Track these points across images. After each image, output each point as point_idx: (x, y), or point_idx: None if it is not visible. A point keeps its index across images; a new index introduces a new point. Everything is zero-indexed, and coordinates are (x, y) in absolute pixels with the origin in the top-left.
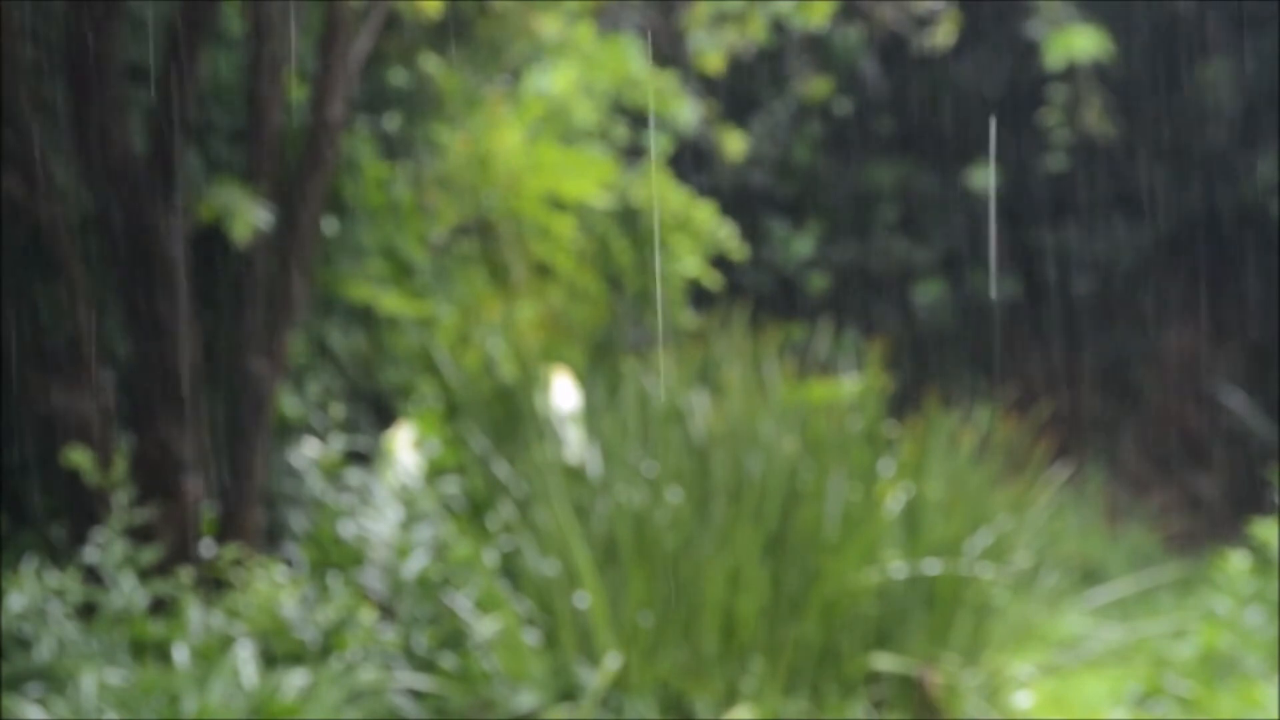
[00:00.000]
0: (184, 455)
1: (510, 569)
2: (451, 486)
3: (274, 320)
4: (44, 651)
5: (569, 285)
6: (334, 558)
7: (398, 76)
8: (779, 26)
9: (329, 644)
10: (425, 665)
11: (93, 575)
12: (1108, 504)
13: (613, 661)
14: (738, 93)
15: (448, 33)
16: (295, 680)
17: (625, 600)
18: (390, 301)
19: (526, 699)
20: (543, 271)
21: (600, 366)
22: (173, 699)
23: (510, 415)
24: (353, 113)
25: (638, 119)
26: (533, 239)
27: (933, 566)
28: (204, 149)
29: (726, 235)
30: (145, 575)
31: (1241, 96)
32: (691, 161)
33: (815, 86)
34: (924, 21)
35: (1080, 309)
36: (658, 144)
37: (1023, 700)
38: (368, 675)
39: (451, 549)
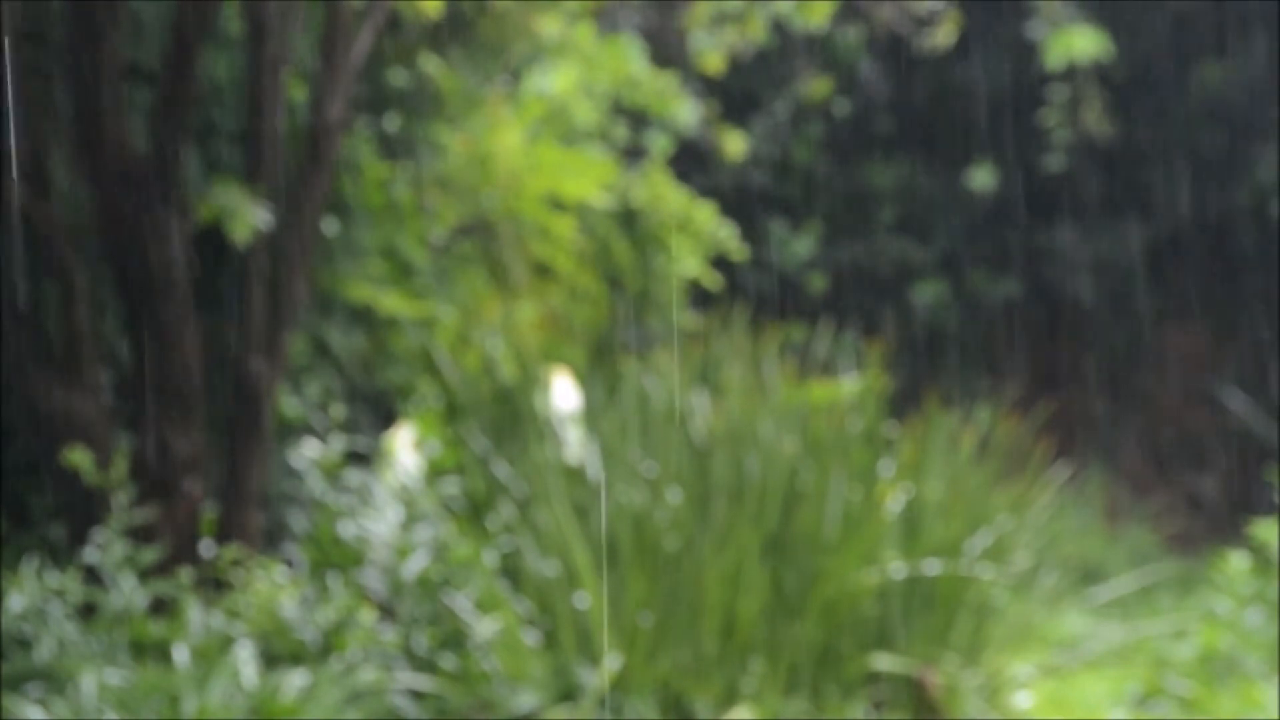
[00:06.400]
0: (184, 455)
1: (510, 569)
2: (451, 487)
3: (274, 320)
4: (44, 651)
5: (569, 285)
6: (334, 558)
7: (398, 76)
8: (779, 26)
9: (329, 644)
10: (425, 665)
11: (93, 575)
12: (1108, 504)
13: (613, 661)
14: (738, 93)
15: (448, 33)
16: (295, 680)
17: (625, 600)
18: (390, 302)
19: (526, 699)
20: (543, 272)
21: (600, 366)
22: (173, 699)
23: (510, 415)
24: (353, 113)
25: (638, 119)
26: (533, 239)
27: (933, 567)
28: (204, 149)
29: (726, 236)
30: (145, 575)
31: (1241, 96)
32: (691, 161)
33: (815, 86)
34: (924, 21)
35: (1080, 309)
36: (657, 144)
37: (1023, 700)
38: (368, 675)
39: (451, 549)
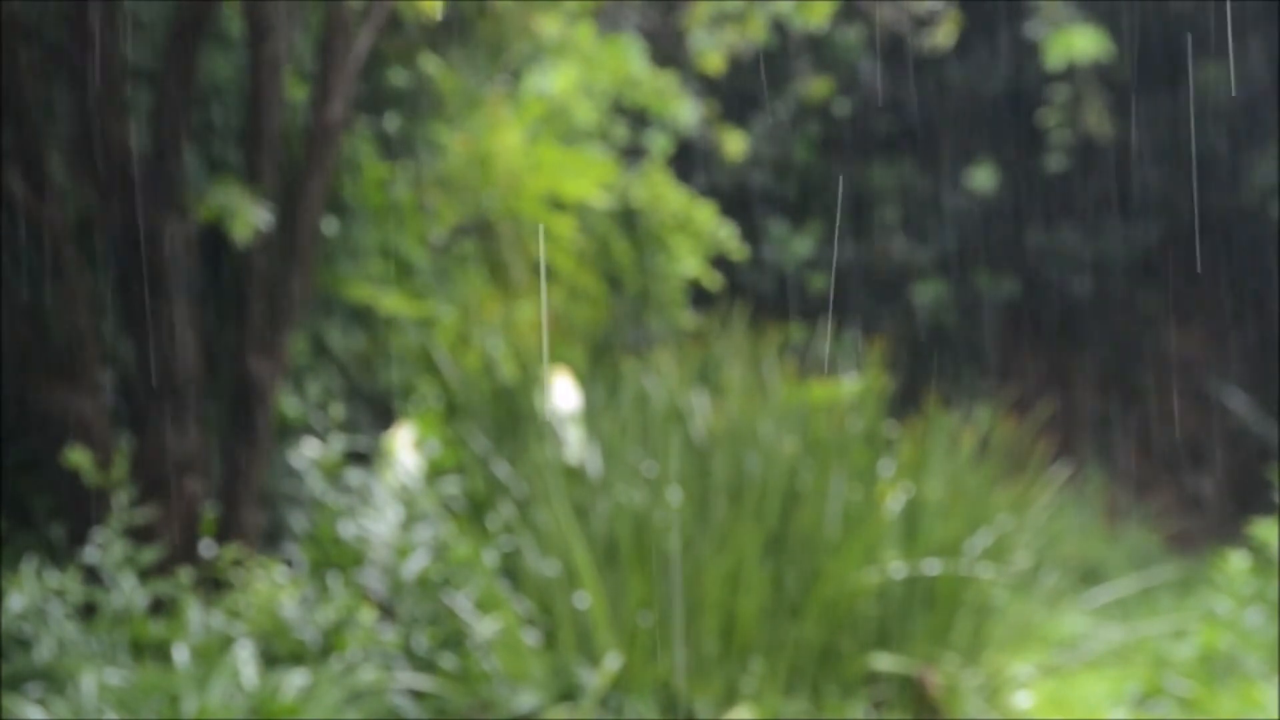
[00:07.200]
0: (184, 455)
1: (510, 569)
2: (451, 486)
3: (274, 320)
4: (44, 651)
5: (569, 285)
6: (334, 558)
7: (398, 76)
8: (779, 26)
9: (329, 644)
10: (425, 665)
11: (93, 575)
12: (1108, 504)
13: (613, 661)
14: (738, 93)
15: (448, 33)
16: (295, 680)
17: (625, 600)
18: (390, 301)
19: (526, 699)
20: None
21: (600, 366)
22: (173, 699)
23: (510, 415)
24: (353, 113)
25: (638, 119)
26: (533, 239)
27: (933, 566)
28: (204, 149)
29: (726, 235)
30: (145, 575)
31: (1241, 96)
32: (691, 161)
33: (815, 86)
34: (924, 21)
35: (1080, 309)
36: (657, 144)
37: (1023, 700)
38: (368, 675)
39: (451, 549)
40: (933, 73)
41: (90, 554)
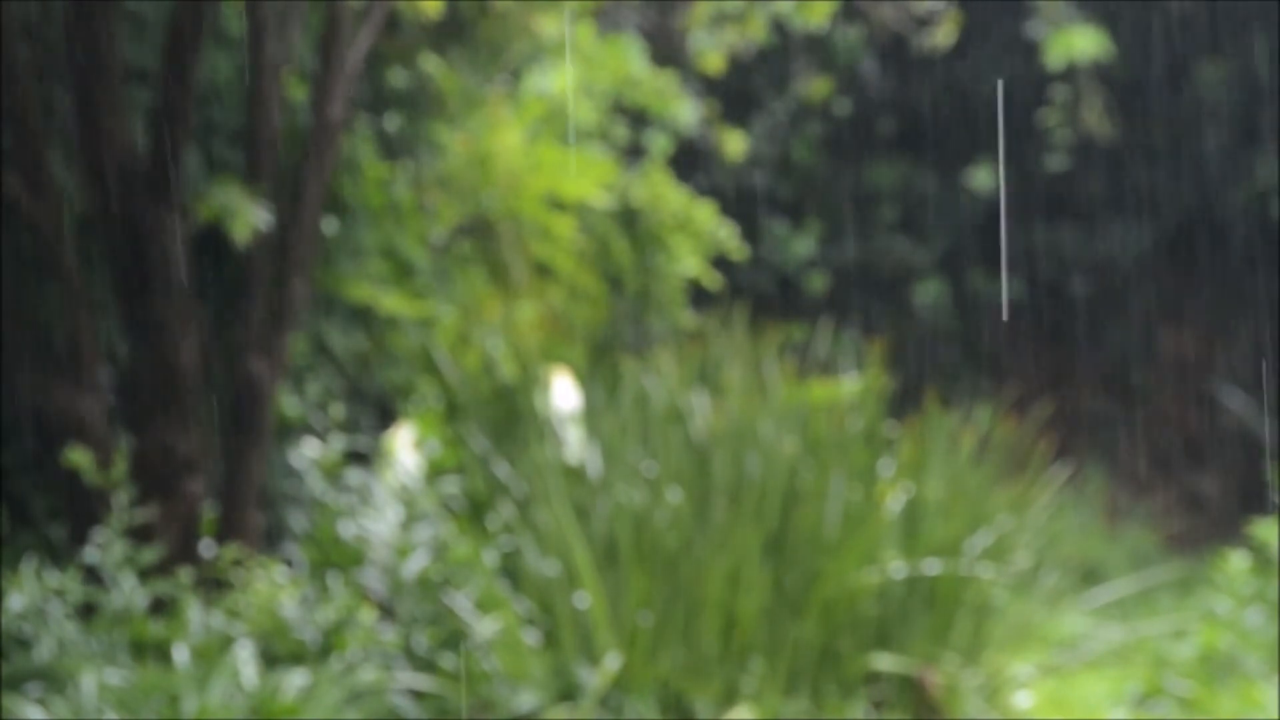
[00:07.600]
0: (184, 455)
1: (510, 569)
2: (451, 487)
3: (274, 320)
4: (44, 651)
5: (569, 285)
6: (334, 558)
7: (398, 76)
8: (779, 26)
9: (329, 644)
10: (425, 665)
11: (93, 575)
12: (1108, 504)
13: (613, 661)
14: (738, 93)
15: (448, 33)
16: (295, 680)
17: (625, 600)
18: (390, 301)
19: (526, 699)
20: (543, 271)
21: (600, 366)
22: (173, 699)
23: (510, 415)
24: (353, 113)
25: (638, 119)
26: (533, 239)
27: (933, 566)
28: (204, 149)
29: (726, 235)
30: (145, 575)
31: (1241, 96)
32: (691, 161)
33: (815, 86)
34: (924, 21)
35: (1079, 309)
36: (657, 144)
37: (1023, 700)
38: (368, 675)
39: (451, 549)
40: (933, 73)
41: (90, 554)
